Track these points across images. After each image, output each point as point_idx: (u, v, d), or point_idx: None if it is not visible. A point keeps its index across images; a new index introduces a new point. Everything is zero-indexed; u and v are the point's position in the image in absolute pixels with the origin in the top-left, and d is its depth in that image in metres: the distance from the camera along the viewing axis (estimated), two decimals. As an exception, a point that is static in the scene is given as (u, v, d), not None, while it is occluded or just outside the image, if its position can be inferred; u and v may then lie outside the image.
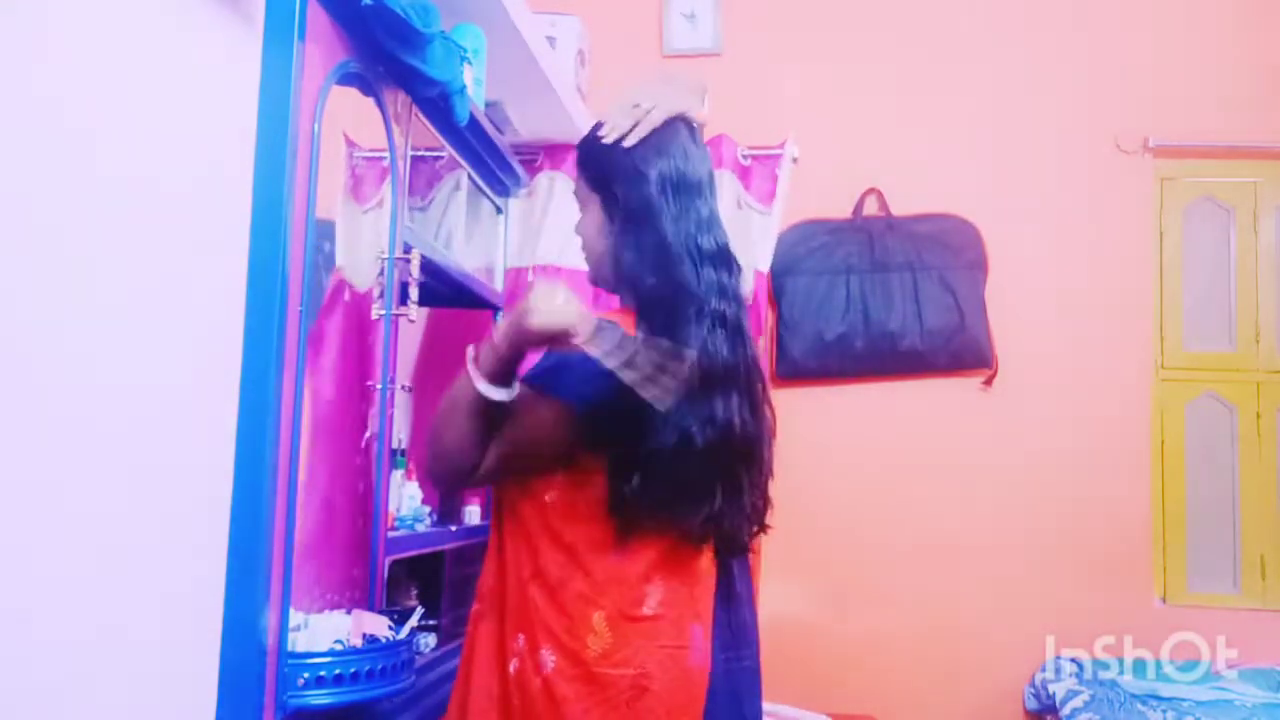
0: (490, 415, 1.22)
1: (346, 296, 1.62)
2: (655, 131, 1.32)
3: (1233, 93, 2.90)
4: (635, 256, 1.28)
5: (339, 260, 1.63)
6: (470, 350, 1.23)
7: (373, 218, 1.64)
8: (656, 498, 1.22)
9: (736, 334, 1.29)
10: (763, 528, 1.35)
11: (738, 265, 1.34)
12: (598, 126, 1.36)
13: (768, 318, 2.72)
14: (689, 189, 1.32)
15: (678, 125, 1.34)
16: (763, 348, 2.62)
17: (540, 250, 2.54)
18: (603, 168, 1.34)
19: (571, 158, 2.68)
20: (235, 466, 1.20)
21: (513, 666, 1.23)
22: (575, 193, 1.41)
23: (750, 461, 1.30)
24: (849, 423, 2.86)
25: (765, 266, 2.70)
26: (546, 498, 1.26)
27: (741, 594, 1.32)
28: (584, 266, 1.42)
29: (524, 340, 1.19)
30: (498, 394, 1.21)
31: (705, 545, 1.28)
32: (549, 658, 1.21)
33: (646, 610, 1.22)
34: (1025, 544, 2.80)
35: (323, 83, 1.34)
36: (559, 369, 1.22)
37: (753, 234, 2.60)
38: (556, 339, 1.16)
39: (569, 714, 1.18)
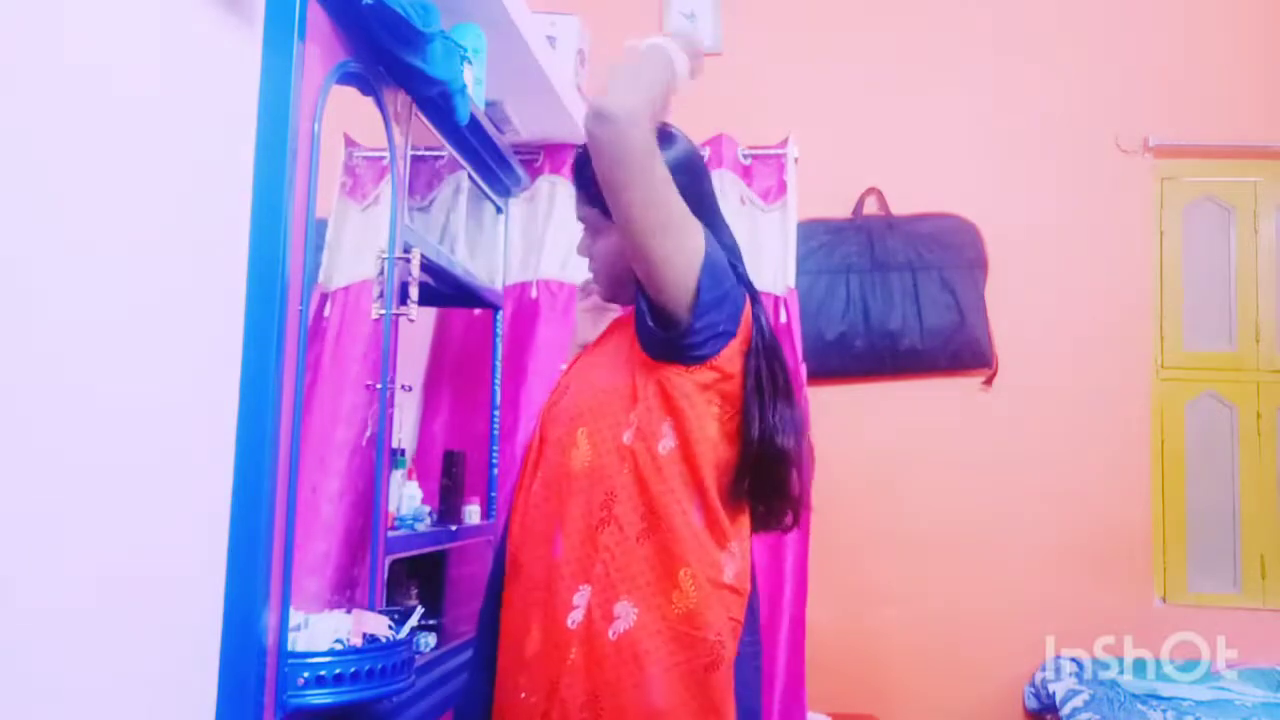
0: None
1: (345, 295, 1.63)
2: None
3: (1233, 93, 2.90)
4: None
5: (337, 259, 1.63)
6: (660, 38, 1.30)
7: (370, 216, 1.65)
8: (773, 467, 1.28)
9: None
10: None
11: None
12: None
13: (797, 338, 2.56)
14: (700, 185, 1.34)
15: (676, 135, 1.37)
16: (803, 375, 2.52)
17: (543, 265, 2.55)
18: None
19: (572, 159, 2.68)
20: (235, 466, 1.20)
21: (571, 620, 1.21)
22: (580, 216, 1.41)
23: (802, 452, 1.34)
24: (849, 422, 2.86)
25: (792, 280, 2.57)
26: (625, 439, 1.25)
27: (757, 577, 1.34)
28: (584, 278, 1.44)
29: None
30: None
31: (771, 525, 1.33)
32: (630, 610, 1.18)
33: (727, 579, 1.23)
34: (1025, 544, 2.80)
35: (323, 83, 1.34)
36: (720, 267, 1.27)
37: (759, 235, 2.60)
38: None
39: (650, 672, 1.16)
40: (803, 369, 2.49)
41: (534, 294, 2.53)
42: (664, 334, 1.24)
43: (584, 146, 1.37)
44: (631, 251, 1.24)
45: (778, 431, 1.27)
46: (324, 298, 1.59)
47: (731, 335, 1.26)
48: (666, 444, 1.24)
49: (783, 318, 2.51)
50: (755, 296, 1.33)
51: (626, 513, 1.22)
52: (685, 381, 1.24)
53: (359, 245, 1.65)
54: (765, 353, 1.29)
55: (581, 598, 1.21)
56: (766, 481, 1.29)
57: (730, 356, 1.26)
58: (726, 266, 1.28)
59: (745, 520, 1.29)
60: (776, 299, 2.54)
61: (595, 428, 1.27)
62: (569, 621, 1.21)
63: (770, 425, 1.27)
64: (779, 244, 2.60)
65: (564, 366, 1.47)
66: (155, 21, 1.08)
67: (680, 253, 1.22)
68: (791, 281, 2.56)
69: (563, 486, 1.27)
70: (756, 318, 1.31)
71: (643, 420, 1.25)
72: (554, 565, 1.24)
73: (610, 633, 1.18)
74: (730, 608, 1.22)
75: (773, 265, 2.57)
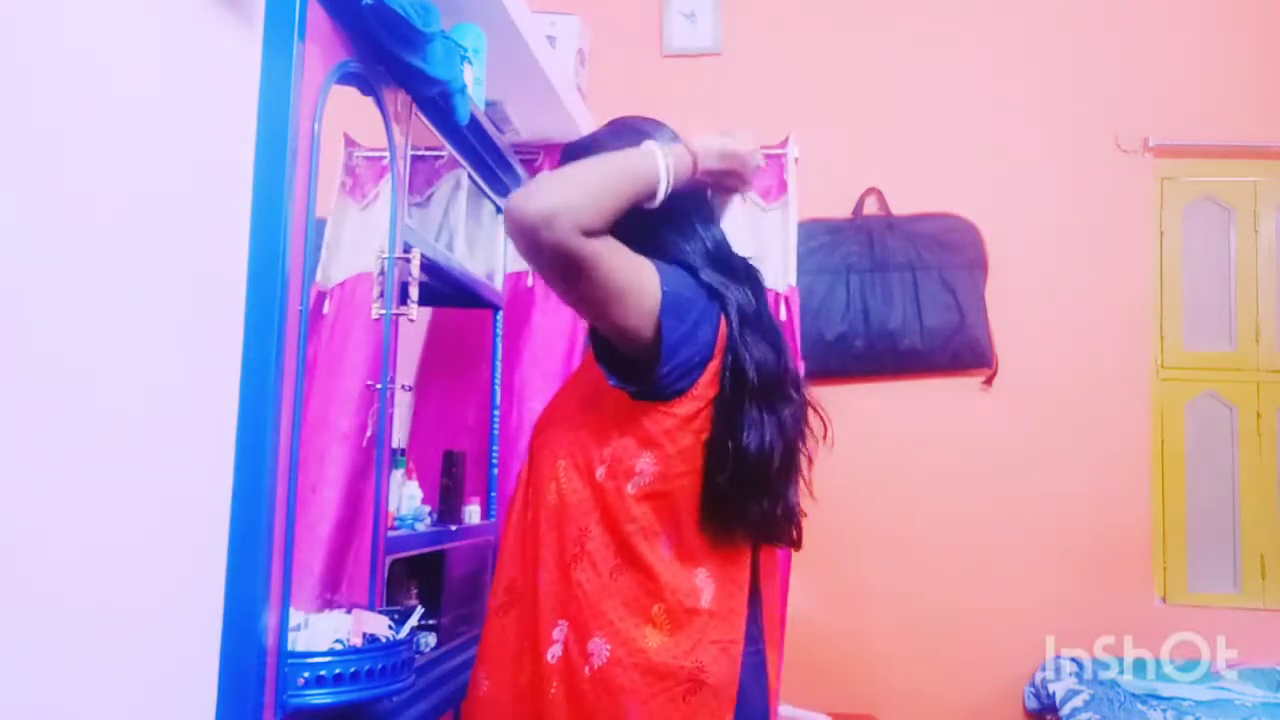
0: (631, 205, 1.18)
1: (341, 290, 1.62)
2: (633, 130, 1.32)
3: (1233, 93, 2.90)
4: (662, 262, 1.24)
5: (336, 256, 1.63)
6: (656, 142, 1.24)
7: (370, 214, 1.65)
8: (747, 489, 1.23)
9: (771, 327, 1.31)
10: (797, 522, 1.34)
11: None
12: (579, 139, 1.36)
13: (797, 335, 2.56)
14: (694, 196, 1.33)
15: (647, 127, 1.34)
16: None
17: None
18: None
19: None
20: (235, 466, 1.20)
21: (551, 655, 1.21)
22: None
23: (798, 456, 1.32)
24: (848, 422, 2.84)
25: (793, 278, 2.57)
26: (597, 475, 1.23)
27: (763, 587, 1.32)
28: None
29: (731, 170, 1.27)
30: (663, 191, 1.20)
31: (765, 541, 1.29)
32: (602, 647, 1.18)
33: (704, 604, 1.21)
34: (1025, 544, 2.80)
35: (323, 83, 1.34)
36: (682, 302, 1.21)
37: (760, 234, 2.60)
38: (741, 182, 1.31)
39: (626, 705, 1.16)
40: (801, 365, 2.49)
41: (530, 282, 2.54)
42: (634, 388, 1.20)
43: (567, 146, 1.37)
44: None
45: (741, 429, 1.21)
46: (321, 295, 1.59)
47: (708, 361, 1.22)
48: (639, 481, 1.21)
49: (782, 315, 2.51)
50: (724, 303, 1.25)
51: (599, 549, 1.21)
52: (664, 418, 1.21)
53: (358, 243, 1.65)
54: (733, 362, 1.23)
55: (560, 632, 1.21)
56: (739, 488, 1.22)
57: (708, 382, 1.22)
58: (690, 295, 1.22)
59: (735, 538, 1.26)
60: (777, 295, 2.54)
61: (572, 461, 1.25)
62: (549, 656, 1.21)
63: (733, 425, 1.21)
64: (779, 243, 2.60)
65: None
66: (155, 21, 1.08)
67: (634, 312, 1.17)
68: (793, 279, 2.57)
69: (542, 518, 1.27)
70: (730, 327, 1.24)
71: (616, 456, 1.22)
72: (537, 597, 1.24)
73: (586, 669, 1.18)
74: (709, 631, 1.21)
75: (774, 264, 2.57)
